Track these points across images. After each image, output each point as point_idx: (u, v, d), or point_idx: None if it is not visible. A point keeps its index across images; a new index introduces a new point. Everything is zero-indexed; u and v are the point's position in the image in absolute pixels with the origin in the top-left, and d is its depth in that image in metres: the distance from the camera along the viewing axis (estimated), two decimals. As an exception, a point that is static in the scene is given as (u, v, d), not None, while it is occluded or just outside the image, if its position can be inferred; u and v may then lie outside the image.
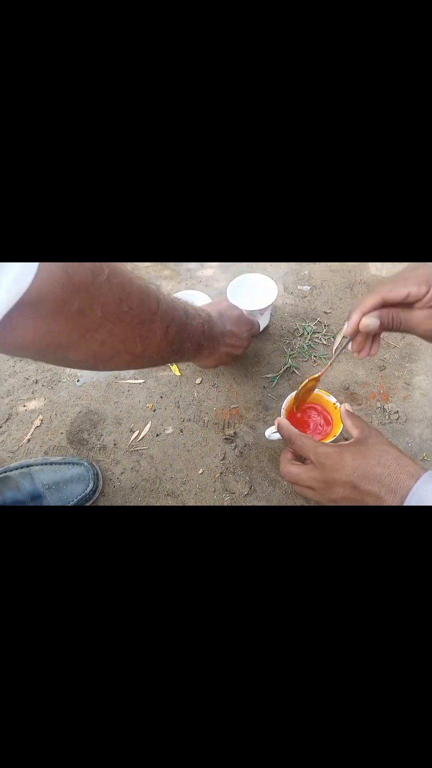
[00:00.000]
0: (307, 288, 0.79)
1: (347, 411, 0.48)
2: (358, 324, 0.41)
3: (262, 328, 0.72)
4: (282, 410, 0.56)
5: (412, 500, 0.38)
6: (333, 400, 0.57)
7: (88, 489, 0.55)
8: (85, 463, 0.57)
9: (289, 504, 0.57)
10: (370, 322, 0.41)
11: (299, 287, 0.79)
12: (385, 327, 0.42)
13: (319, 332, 0.73)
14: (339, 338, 0.48)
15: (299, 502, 0.57)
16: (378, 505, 0.39)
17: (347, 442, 0.43)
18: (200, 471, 0.61)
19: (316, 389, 0.58)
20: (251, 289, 0.70)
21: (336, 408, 0.57)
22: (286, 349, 0.71)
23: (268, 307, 0.66)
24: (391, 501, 0.39)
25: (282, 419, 0.48)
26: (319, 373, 0.54)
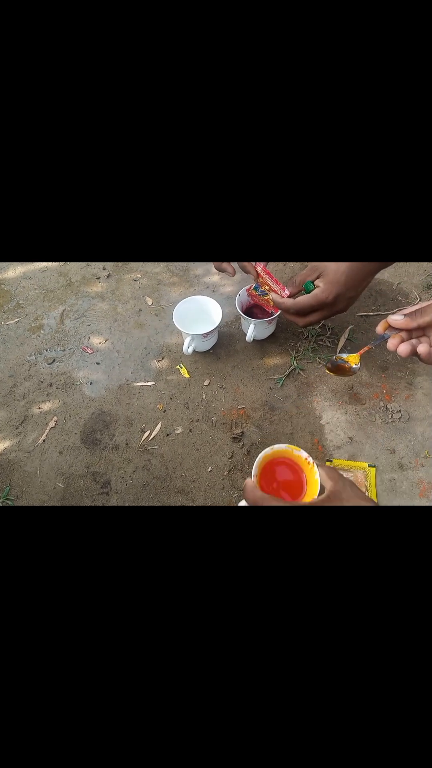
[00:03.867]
0: (311, 292, 0.81)
1: (318, 464, 0.46)
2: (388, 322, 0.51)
3: (269, 335, 0.74)
4: (254, 467, 0.50)
5: None
6: (305, 455, 0.50)
7: None
8: None
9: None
10: (398, 317, 0.50)
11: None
12: (409, 327, 0.50)
13: (323, 335, 0.75)
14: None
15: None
16: None
17: (320, 497, 0.42)
18: (209, 469, 0.63)
19: (285, 445, 0.51)
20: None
21: (309, 464, 0.50)
22: (291, 351, 0.73)
23: (275, 317, 0.69)
24: None
25: (249, 480, 0.42)
26: (359, 352, 0.58)
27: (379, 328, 0.52)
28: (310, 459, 0.50)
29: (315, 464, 0.48)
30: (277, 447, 0.51)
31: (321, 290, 0.58)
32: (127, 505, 0.60)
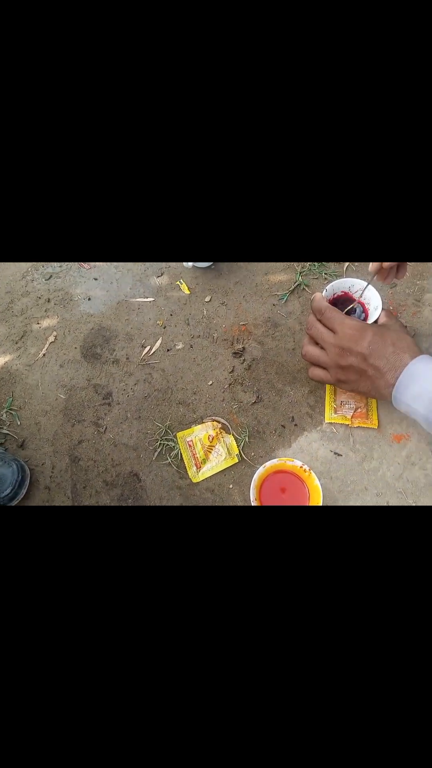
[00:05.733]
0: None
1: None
2: (381, 264, 0.49)
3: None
4: (252, 490, 0.51)
5: (405, 376, 0.41)
6: (299, 463, 0.52)
7: (3, 494, 0.54)
8: (14, 467, 0.55)
9: (293, 412, 0.60)
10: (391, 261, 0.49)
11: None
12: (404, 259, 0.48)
13: (330, 250, 0.71)
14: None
15: (304, 410, 0.60)
16: (377, 379, 0.44)
17: (375, 325, 0.50)
18: (210, 383, 0.63)
19: (276, 460, 0.52)
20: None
21: (305, 471, 0.51)
22: (296, 266, 0.70)
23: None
24: (389, 377, 0.43)
25: (318, 294, 0.53)
26: (358, 298, 0.55)
27: (372, 269, 0.52)
28: (306, 466, 0.52)
29: (310, 470, 0.51)
30: (269, 464, 0.52)
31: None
32: (128, 415, 0.61)
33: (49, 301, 0.71)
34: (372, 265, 0.51)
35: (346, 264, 0.70)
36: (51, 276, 0.73)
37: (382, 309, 0.54)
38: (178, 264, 0.72)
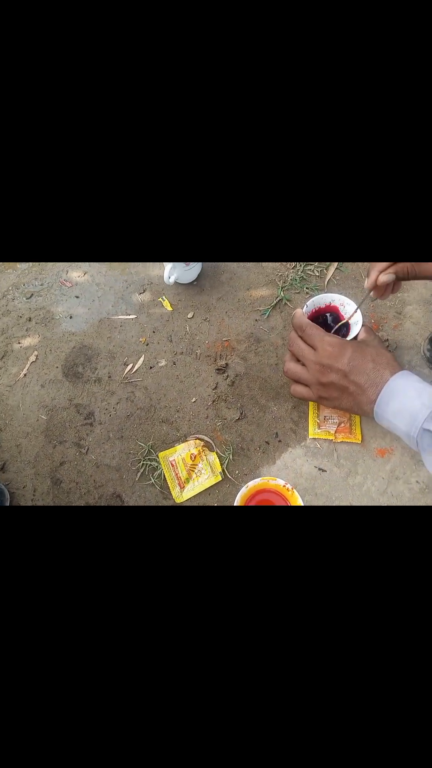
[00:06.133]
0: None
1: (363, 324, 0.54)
2: (376, 280, 0.49)
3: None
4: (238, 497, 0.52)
5: (385, 391, 0.42)
6: (282, 482, 0.53)
7: None
8: None
9: (277, 427, 0.60)
10: (387, 278, 0.48)
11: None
12: (400, 278, 0.49)
13: (312, 263, 0.72)
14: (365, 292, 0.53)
15: (288, 425, 0.60)
16: (358, 395, 0.44)
17: (354, 341, 0.51)
18: (193, 400, 0.62)
19: (260, 479, 0.53)
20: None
21: (288, 490, 0.53)
22: (278, 281, 0.71)
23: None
24: (370, 393, 0.43)
25: (299, 311, 0.53)
26: (348, 317, 0.55)
27: (368, 285, 0.51)
28: (288, 485, 0.52)
29: (294, 488, 0.52)
30: (252, 483, 0.52)
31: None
32: (111, 435, 0.61)
33: (30, 320, 0.70)
34: (368, 282, 0.51)
35: (328, 277, 0.71)
36: (32, 294, 0.73)
37: (363, 324, 0.54)
38: (160, 280, 0.72)
